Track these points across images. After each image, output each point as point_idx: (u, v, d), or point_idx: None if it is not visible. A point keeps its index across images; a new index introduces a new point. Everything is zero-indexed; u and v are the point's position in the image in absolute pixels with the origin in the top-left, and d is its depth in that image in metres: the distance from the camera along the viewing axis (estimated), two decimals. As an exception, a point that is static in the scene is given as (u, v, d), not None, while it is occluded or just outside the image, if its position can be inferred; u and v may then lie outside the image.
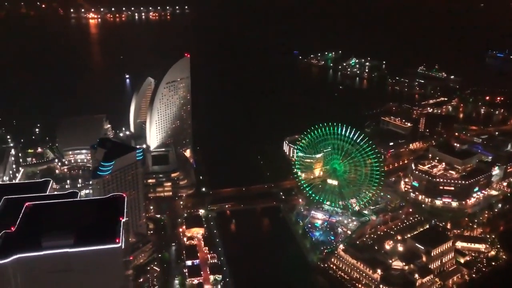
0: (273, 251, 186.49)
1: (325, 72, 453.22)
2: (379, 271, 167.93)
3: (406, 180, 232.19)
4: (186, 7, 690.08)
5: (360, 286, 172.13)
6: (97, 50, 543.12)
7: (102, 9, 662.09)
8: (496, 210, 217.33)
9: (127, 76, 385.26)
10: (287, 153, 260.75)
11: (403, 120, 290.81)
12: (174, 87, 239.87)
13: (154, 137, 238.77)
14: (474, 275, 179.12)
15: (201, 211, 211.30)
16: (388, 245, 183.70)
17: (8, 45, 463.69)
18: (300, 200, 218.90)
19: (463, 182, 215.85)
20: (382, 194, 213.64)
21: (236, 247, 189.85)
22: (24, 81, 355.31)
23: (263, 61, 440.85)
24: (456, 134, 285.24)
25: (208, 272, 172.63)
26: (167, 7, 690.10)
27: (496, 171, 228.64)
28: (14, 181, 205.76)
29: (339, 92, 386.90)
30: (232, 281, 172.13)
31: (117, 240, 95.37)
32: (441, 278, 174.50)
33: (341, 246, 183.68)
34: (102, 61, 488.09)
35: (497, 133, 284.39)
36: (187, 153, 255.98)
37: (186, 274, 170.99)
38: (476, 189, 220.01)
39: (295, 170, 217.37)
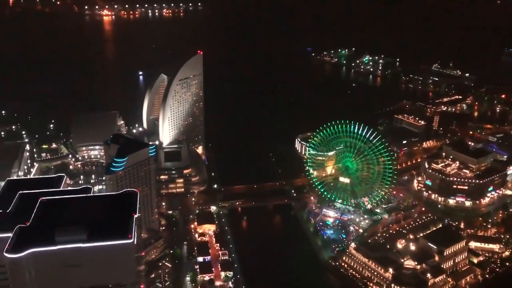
0: (284, 249, 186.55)
1: (338, 70, 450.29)
2: (390, 270, 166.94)
3: (419, 178, 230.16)
4: (199, 4, 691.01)
5: (371, 285, 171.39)
6: (111, 46, 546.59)
7: (116, 6, 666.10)
8: (511, 210, 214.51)
9: (140, 73, 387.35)
10: (299, 151, 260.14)
11: (417, 118, 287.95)
12: (187, 84, 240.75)
13: (166, 133, 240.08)
14: (487, 276, 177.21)
15: (213, 208, 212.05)
16: (400, 244, 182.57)
17: (23, 42, 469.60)
18: (312, 198, 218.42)
19: (477, 181, 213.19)
20: (394, 192, 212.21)
21: (248, 244, 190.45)
22: (39, 77, 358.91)
23: (276, 58, 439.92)
24: (471, 132, 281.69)
25: (219, 269, 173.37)
26: (181, 4, 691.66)
27: (511, 170, 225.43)
28: (28, 176, 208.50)
29: (352, 90, 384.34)
30: (243, 278, 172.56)
31: (129, 236, 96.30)
32: (453, 278, 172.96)
33: (353, 245, 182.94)
34: (115, 58, 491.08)
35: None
36: (199, 149, 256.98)
37: (198, 270, 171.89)
38: (491, 188, 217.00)
39: (307, 167, 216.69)
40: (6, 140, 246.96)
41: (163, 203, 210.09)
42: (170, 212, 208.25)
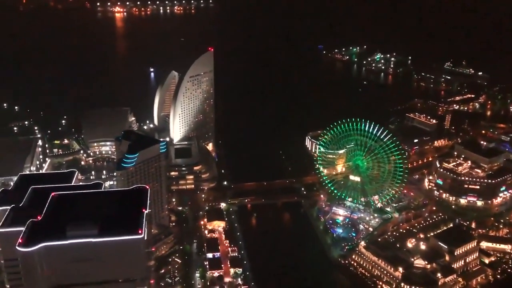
0: (293, 246, 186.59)
1: (349, 67, 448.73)
2: (400, 269, 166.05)
3: (430, 177, 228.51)
4: (211, 0, 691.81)
5: (381, 283, 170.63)
6: (123, 43, 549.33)
7: (127, 3, 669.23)
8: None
9: (151, 69, 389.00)
10: (309, 149, 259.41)
11: (428, 117, 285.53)
12: (198, 81, 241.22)
13: (177, 130, 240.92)
14: (498, 276, 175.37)
15: (223, 205, 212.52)
16: (410, 243, 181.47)
17: (36, 38, 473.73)
18: (322, 196, 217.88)
19: (489, 181, 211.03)
20: (405, 191, 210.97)
21: (257, 241, 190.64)
22: (51, 73, 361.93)
23: (287, 55, 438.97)
24: (483, 131, 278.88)
25: (229, 265, 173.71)
26: (192, 1, 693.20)
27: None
28: (41, 172, 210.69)
29: (363, 88, 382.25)
30: (252, 275, 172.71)
31: (139, 231, 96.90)
32: (464, 278, 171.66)
33: (363, 243, 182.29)
34: (127, 54, 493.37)
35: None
36: (209, 146, 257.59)
37: (207, 266, 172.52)
38: (503, 188, 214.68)
39: (317, 165, 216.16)
40: (19, 136, 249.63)
41: (173, 199, 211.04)
42: (180, 208, 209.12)
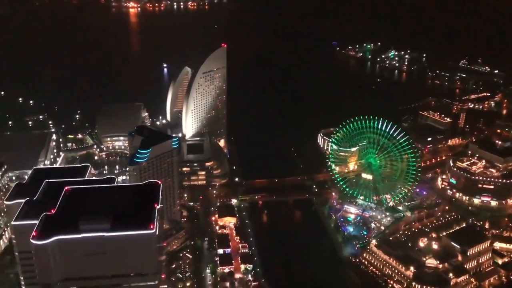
0: (304, 244, 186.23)
1: (363, 64, 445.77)
2: (412, 268, 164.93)
3: (444, 177, 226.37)
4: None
5: (392, 282, 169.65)
6: (136, 39, 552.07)
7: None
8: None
9: (164, 65, 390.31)
10: (322, 146, 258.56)
11: (443, 115, 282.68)
12: (210, 77, 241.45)
13: (189, 126, 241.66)
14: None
15: (234, 201, 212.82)
16: (422, 243, 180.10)
17: (52, 33, 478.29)
18: (333, 193, 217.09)
19: (504, 181, 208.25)
20: (418, 190, 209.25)
21: (268, 238, 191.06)
22: (66, 69, 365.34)
23: (301, 52, 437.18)
24: (498, 131, 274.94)
25: (239, 261, 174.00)
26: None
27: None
28: (55, 166, 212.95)
29: (377, 85, 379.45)
30: (263, 271, 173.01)
31: (151, 226, 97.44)
32: (477, 279, 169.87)
33: (374, 242, 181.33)
34: (140, 50, 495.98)
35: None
36: (221, 143, 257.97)
37: (218, 262, 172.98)
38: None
39: (329, 163, 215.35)
40: (33, 130, 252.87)
41: (185, 195, 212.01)
42: (192, 204, 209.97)
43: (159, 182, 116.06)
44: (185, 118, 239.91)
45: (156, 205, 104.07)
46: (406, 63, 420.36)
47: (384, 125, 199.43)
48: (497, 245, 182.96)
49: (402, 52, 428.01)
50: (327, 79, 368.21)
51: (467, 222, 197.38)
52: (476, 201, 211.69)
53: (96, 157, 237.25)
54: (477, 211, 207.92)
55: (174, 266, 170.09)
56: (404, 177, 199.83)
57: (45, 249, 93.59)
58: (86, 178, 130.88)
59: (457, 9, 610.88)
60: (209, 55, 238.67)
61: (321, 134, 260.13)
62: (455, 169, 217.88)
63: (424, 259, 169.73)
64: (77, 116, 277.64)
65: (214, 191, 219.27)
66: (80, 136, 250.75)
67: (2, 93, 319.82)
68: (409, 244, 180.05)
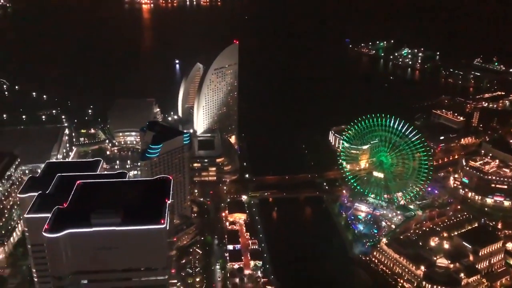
0: (314, 241, 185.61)
1: (376, 62, 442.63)
2: (422, 267, 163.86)
3: (456, 176, 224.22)
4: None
5: (402, 281, 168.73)
6: (149, 35, 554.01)
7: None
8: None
9: (176, 61, 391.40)
10: (333, 143, 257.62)
11: (456, 114, 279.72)
12: (222, 73, 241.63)
13: (201, 122, 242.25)
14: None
15: (244, 197, 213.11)
16: (433, 242, 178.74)
17: (65, 29, 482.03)
18: (344, 191, 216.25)
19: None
20: (429, 189, 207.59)
21: (277, 234, 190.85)
22: (79, 64, 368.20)
23: (313, 49, 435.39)
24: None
25: (249, 258, 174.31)
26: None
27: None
28: (67, 160, 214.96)
29: (390, 83, 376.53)
30: (272, 268, 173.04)
31: (162, 221, 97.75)
32: (488, 279, 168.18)
33: (384, 240, 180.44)
34: (153, 46, 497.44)
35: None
36: (232, 139, 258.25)
37: (227, 258, 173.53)
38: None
39: (340, 161, 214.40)
40: (46, 124, 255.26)
41: (196, 191, 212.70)
42: (202, 199, 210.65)
43: (170, 178, 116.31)
44: (196, 114, 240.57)
45: (167, 200, 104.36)
46: (419, 61, 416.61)
47: (396, 123, 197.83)
48: (510, 245, 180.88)
49: (416, 50, 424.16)
50: (340, 76, 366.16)
51: (479, 222, 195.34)
52: (489, 201, 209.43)
53: (108, 152, 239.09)
54: (489, 211, 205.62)
55: (184, 261, 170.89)
56: (415, 175, 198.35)
57: (57, 242, 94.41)
58: (98, 173, 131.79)
59: (471, 7, 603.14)
60: (221, 51, 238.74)
61: (333, 131, 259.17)
62: (467, 168, 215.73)
63: (435, 258, 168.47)
64: (89, 111, 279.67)
65: (225, 187, 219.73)
66: (92, 131, 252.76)
67: (16, 87, 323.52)
68: (420, 243, 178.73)
